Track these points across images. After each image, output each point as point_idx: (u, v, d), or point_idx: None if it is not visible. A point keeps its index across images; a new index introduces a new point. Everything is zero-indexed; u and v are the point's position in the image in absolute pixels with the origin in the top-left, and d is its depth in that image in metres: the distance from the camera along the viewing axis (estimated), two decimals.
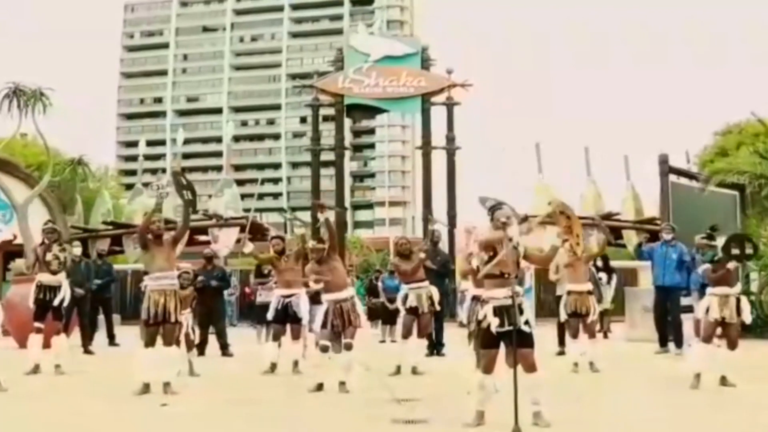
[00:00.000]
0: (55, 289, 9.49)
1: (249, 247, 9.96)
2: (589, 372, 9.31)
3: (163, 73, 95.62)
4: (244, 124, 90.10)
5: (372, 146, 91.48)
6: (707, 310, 8.12)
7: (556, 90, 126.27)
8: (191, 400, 7.32)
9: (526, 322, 5.82)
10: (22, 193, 20.12)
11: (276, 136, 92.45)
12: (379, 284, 15.74)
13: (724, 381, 7.95)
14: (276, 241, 9.77)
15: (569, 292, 9.62)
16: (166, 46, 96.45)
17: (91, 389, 8.25)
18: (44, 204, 21.09)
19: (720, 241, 8.51)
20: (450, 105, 26.70)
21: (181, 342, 8.65)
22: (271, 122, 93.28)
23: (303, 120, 75.94)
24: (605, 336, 13.77)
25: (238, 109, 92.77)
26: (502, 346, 5.85)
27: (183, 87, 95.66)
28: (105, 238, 23.13)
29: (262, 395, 7.82)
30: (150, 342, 7.69)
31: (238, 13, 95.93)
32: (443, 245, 14.58)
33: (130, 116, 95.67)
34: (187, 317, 9.07)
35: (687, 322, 11.28)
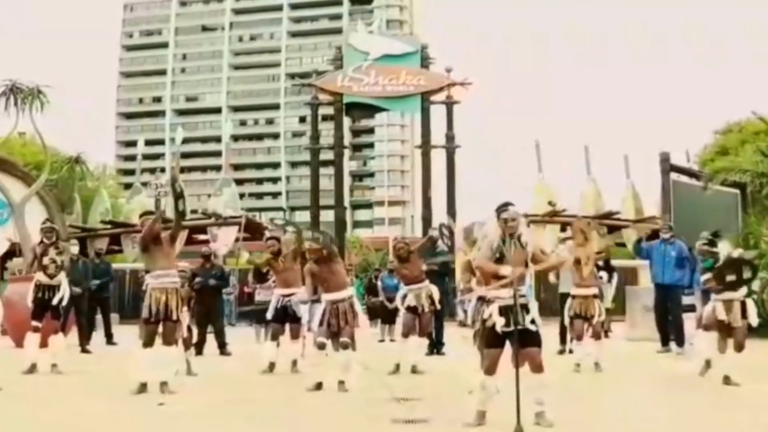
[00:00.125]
0: (54, 288, 9.46)
1: (244, 257, 9.93)
2: (591, 372, 9.28)
3: (162, 72, 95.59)
4: (243, 123, 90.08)
5: (371, 145, 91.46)
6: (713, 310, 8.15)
7: (555, 90, 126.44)
8: (189, 400, 7.27)
9: (533, 321, 5.77)
10: (19, 192, 20.08)
11: (275, 136, 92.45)
12: (379, 283, 15.68)
13: (727, 380, 7.93)
14: (271, 242, 9.73)
15: (574, 296, 9.58)
16: (165, 45, 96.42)
17: (88, 388, 8.20)
18: (42, 203, 21.05)
19: (722, 247, 8.41)
20: (449, 104, 26.67)
21: (179, 341, 8.60)
22: (270, 121, 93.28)
23: (302, 119, 75.84)
24: (605, 335, 13.71)
25: (237, 109, 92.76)
26: (507, 348, 5.80)
27: (182, 86, 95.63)
28: (103, 237, 23.09)
29: (261, 395, 7.78)
30: (149, 341, 7.64)
31: (237, 12, 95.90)
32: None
33: (129, 115, 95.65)
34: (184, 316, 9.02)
35: (689, 321, 11.23)
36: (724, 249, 8.37)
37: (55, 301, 9.43)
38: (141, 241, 7.80)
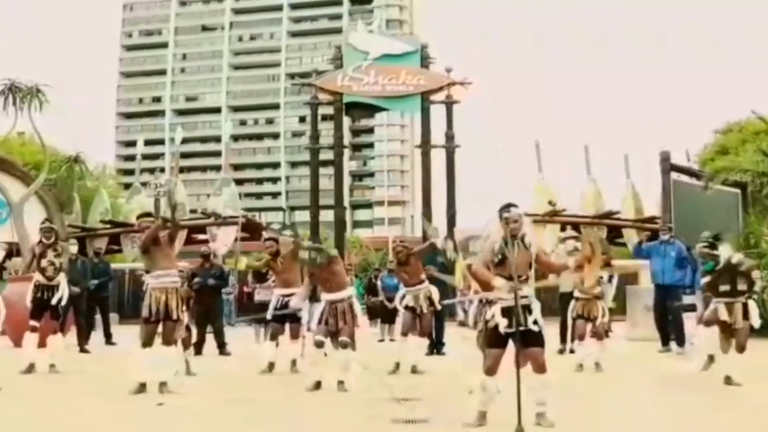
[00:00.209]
0: (53, 288, 9.45)
1: (243, 262, 9.94)
2: (591, 372, 9.28)
3: (161, 72, 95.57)
4: (243, 123, 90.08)
5: (371, 145, 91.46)
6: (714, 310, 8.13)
7: (555, 90, 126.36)
8: (188, 400, 7.25)
9: (535, 322, 5.74)
10: (18, 191, 20.06)
11: (275, 136, 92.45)
12: (378, 283, 15.65)
13: (729, 380, 7.92)
14: (269, 243, 9.70)
15: (577, 298, 9.56)
16: (165, 45, 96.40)
17: (87, 388, 8.18)
18: (41, 202, 21.03)
19: (722, 250, 8.37)
20: (449, 103, 26.62)
21: (178, 341, 8.57)
22: (270, 121, 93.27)
23: (302, 119, 75.81)
24: (606, 335, 13.68)
25: (236, 109, 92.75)
26: (509, 348, 5.77)
27: (182, 86, 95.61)
28: (103, 237, 23.08)
29: (260, 395, 7.76)
30: (148, 341, 7.62)
31: (237, 12, 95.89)
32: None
33: (129, 115, 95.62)
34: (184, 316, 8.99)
35: (689, 321, 11.21)
36: (725, 252, 8.31)
37: (54, 301, 9.42)
38: (141, 245, 7.82)
